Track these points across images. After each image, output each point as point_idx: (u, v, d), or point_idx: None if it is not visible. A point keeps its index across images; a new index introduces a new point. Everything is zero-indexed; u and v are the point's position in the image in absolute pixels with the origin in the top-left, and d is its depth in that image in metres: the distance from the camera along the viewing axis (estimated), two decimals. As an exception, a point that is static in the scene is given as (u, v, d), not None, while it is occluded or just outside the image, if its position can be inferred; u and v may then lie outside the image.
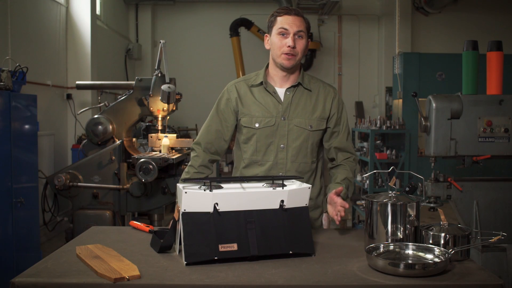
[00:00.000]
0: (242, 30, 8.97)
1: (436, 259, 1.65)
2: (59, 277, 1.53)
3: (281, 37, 2.08)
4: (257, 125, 2.15)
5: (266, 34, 2.19)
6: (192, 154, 2.26)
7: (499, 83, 2.70)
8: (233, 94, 2.20)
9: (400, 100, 6.49)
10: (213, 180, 1.77)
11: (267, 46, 2.19)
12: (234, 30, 8.85)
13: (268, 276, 1.55)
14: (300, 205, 1.80)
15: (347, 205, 1.96)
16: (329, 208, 2.03)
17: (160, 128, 4.25)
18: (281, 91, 2.17)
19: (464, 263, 1.70)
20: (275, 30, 2.10)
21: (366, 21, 9.76)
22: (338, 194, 2.01)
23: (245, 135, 2.20)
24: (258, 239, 1.70)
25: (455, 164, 2.75)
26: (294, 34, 2.07)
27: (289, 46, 2.06)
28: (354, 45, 9.83)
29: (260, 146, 2.17)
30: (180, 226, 1.70)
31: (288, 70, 2.15)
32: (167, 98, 3.94)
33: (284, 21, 2.08)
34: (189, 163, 2.26)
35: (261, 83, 2.18)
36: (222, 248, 1.66)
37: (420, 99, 2.77)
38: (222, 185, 1.82)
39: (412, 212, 1.78)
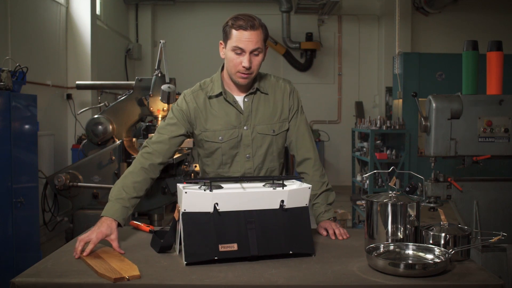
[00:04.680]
0: (242, 30, 8.97)
1: (436, 259, 1.65)
2: (59, 277, 1.53)
3: (236, 55, 1.96)
4: (220, 138, 2.07)
5: (221, 42, 2.06)
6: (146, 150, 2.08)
7: (499, 83, 2.70)
8: (191, 104, 2.09)
9: (400, 100, 6.49)
10: (213, 180, 1.77)
11: (222, 55, 2.07)
12: (234, 30, 8.85)
13: (268, 276, 1.55)
14: (300, 205, 1.80)
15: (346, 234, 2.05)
16: (328, 231, 2.08)
17: (160, 128, 4.24)
18: (239, 99, 2.09)
19: (464, 263, 1.70)
20: (229, 44, 1.97)
21: (366, 21, 9.76)
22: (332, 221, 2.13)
23: (208, 149, 2.11)
24: (258, 239, 1.70)
25: (455, 164, 2.75)
26: (250, 53, 1.95)
27: (244, 66, 1.95)
28: (354, 45, 9.83)
29: (226, 159, 2.10)
30: (180, 226, 1.70)
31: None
32: (167, 98, 3.94)
33: (239, 39, 1.93)
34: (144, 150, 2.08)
35: (220, 94, 2.08)
36: (222, 248, 1.66)
37: (420, 99, 2.77)
38: (222, 185, 1.82)
39: (412, 212, 1.78)
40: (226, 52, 2.01)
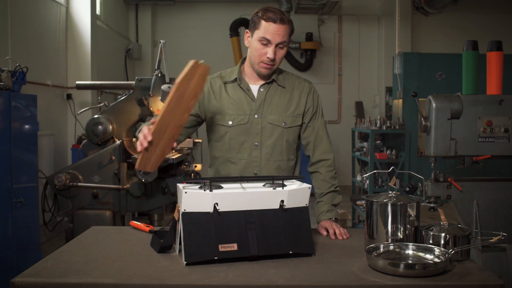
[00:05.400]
0: (242, 30, 8.95)
1: (436, 259, 1.65)
2: (59, 277, 1.53)
3: (262, 46, 2.03)
4: (230, 122, 2.12)
5: (247, 31, 2.11)
6: None
7: (499, 83, 2.70)
8: (206, 87, 2.15)
9: (400, 100, 6.50)
10: (213, 180, 1.77)
11: (246, 43, 2.13)
12: (234, 30, 8.85)
13: (268, 276, 1.55)
14: (300, 205, 1.80)
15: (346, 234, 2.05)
16: (328, 231, 2.08)
17: (160, 128, 4.24)
18: (255, 88, 2.15)
19: (464, 263, 1.70)
20: (256, 34, 2.03)
21: (366, 21, 9.76)
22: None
23: (217, 133, 2.17)
24: (258, 239, 1.70)
25: (455, 164, 2.75)
26: (276, 45, 2.02)
27: (268, 58, 2.02)
28: (354, 45, 9.83)
29: (234, 144, 2.14)
30: (180, 226, 1.70)
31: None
32: (167, 98, 3.93)
33: (267, 30, 2.00)
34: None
35: (235, 80, 2.16)
36: (222, 248, 1.66)
37: (420, 99, 2.78)
38: (222, 185, 1.82)
39: (412, 212, 1.78)
40: (251, 41, 2.08)
